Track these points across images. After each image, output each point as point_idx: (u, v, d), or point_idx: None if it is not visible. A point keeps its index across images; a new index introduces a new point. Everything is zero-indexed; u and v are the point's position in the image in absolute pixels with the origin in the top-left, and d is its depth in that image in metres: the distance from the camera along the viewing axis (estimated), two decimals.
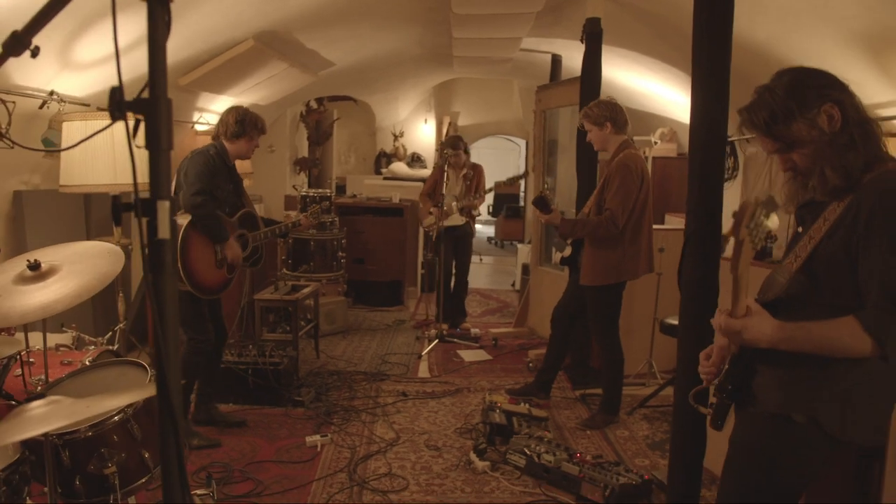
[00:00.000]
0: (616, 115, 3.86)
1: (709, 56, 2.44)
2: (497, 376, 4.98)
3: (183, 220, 3.56)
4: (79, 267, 2.24)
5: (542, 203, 3.96)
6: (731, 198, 4.95)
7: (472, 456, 3.48)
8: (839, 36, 3.34)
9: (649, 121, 6.71)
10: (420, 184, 7.99)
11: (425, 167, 9.37)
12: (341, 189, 8.76)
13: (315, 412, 4.09)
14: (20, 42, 1.35)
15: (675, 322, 3.48)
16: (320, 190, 6.42)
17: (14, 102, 1.42)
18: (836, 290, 1.57)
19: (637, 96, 6.54)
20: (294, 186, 7.74)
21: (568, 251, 4.10)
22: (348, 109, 9.59)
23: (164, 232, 0.98)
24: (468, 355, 5.46)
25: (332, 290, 6.22)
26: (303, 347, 5.05)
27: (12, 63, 3.58)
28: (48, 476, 1.60)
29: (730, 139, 5.03)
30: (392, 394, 4.50)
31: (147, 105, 0.97)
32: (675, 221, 5.42)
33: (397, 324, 6.47)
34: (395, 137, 9.59)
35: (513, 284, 8.69)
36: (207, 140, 5.94)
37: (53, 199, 4.35)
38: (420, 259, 7.79)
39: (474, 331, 6.03)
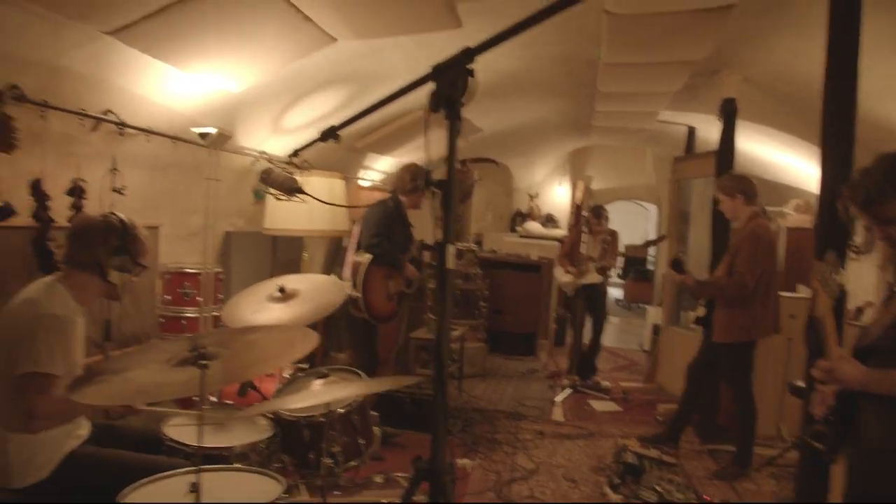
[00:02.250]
0: (747, 188, 4.22)
1: (835, 135, 2.81)
2: (626, 426, 5.30)
3: (364, 259, 4.27)
4: (312, 294, 2.89)
5: (678, 265, 4.38)
6: (869, 271, 5.11)
7: (606, 489, 3.85)
8: None
9: (783, 192, 6.90)
10: (553, 243, 8.50)
11: (558, 227, 9.86)
12: (478, 244, 9.41)
13: (462, 440, 4.59)
14: (332, 133, 2.00)
15: (803, 384, 3.74)
16: (466, 244, 7.06)
17: (308, 171, 2.02)
18: None
19: (771, 168, 6.78)
20: (437, 240, 8.44)
21: (702, 311, 4.45)
22: (488, 170, 10.30)
23: (450, 263, 1.55)
24: (599, 405, 5.81)
25: (473, 336, 6.77)
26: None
27: (239, 128, 4.46)
28: (325, 440, 2.17)
29: None
30: (530, 432, 4.93)
31: (445, 184, 1.56)
32: (806, 291, 5.59)
33: (530, 372, 6.92)
34: (531, 198, 10.18)
35: (640, 345, 8.92)
36: (371, 194, 6.77)
37: (251, 240, 5.24)
38: (553, 314, 8.23)
39: (605, 384, 6.37)
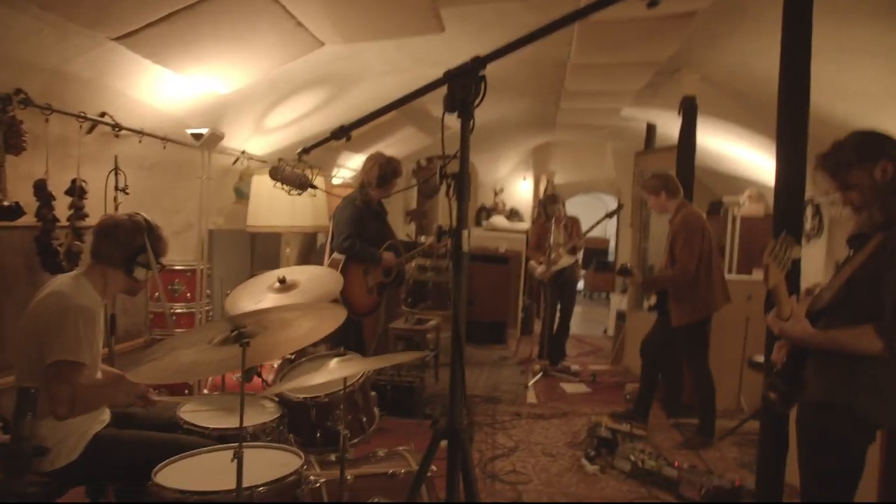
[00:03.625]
0: (668, 184, 4.67)
1: (789, 129, 3.07)
2: (597, 405, 5.58)
3: (340, 257, 4.45)
4: (311, 284, 3.06)
5: (624, 271, 4.88)
6: (818, 254, 5.49)
7: (584, 461, 4.12)
8: None
9: (737, 182, 7.29)
10: (518, 235, 8.77)
11: (523, 221, 10.16)
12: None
13: (443, 424, 4.80)
14: (344, 132, 2.18)
15: (762, 359, 4.06)
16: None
17: (319, 169, 2.17)
18: (865, 305, 2.09)
19: (726, 160, 7.15)
20: (407, 235, 8.66)
21: (653, 300, 4.86)
22: (454, 167, 10.51)
23: (464, 247, 1.75)
24: (570, 388, 6.09)
25: (446, 326, 6.99)
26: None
27: (224, 128, 4.57)
28: (342, 417, 2.35)
29: (816, 202, 5.61)
30: (507, 414, 5.18)
31: (458, 176, 1.76)
32: (762, 275, 5.96)
33: (501, 360, 7.18)
34: (496, 193, 10.45)
35: (605, 331, 9.26)
36: (343, 191, 6.92)
37: (231, 237, 5.38)
38: (521, 304, 8.50)
39: (574, 367, 6.66)
